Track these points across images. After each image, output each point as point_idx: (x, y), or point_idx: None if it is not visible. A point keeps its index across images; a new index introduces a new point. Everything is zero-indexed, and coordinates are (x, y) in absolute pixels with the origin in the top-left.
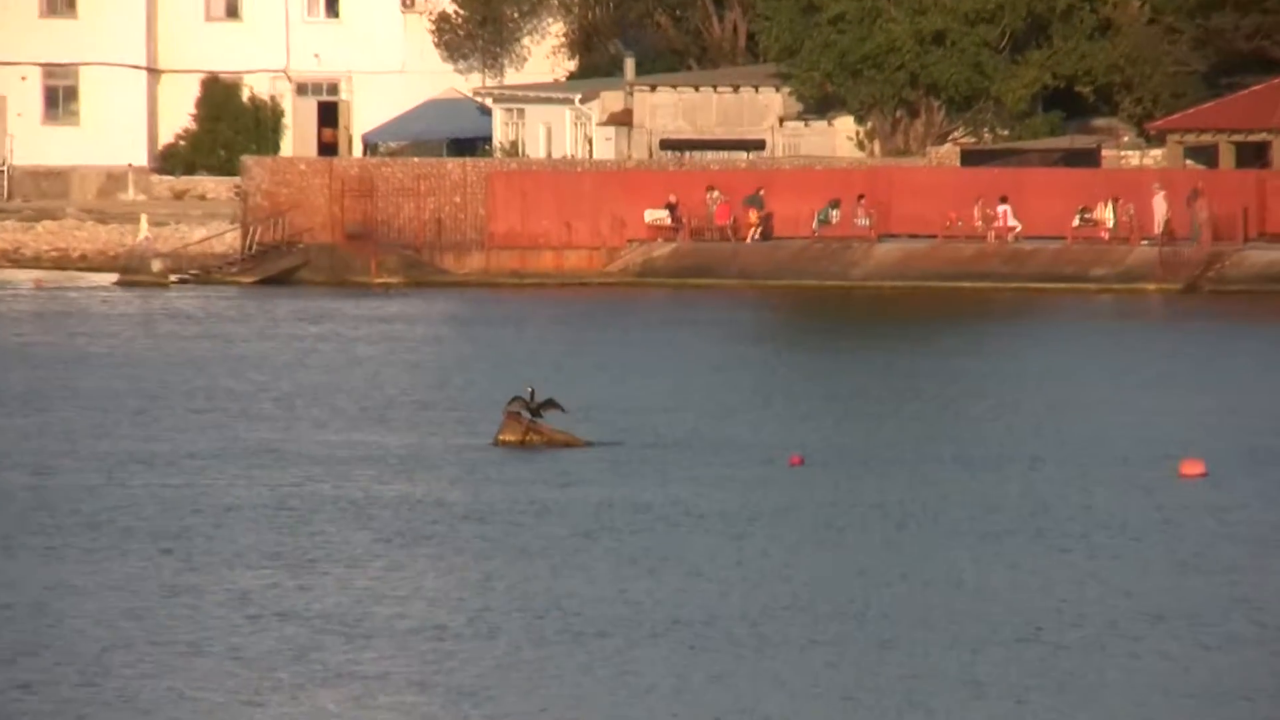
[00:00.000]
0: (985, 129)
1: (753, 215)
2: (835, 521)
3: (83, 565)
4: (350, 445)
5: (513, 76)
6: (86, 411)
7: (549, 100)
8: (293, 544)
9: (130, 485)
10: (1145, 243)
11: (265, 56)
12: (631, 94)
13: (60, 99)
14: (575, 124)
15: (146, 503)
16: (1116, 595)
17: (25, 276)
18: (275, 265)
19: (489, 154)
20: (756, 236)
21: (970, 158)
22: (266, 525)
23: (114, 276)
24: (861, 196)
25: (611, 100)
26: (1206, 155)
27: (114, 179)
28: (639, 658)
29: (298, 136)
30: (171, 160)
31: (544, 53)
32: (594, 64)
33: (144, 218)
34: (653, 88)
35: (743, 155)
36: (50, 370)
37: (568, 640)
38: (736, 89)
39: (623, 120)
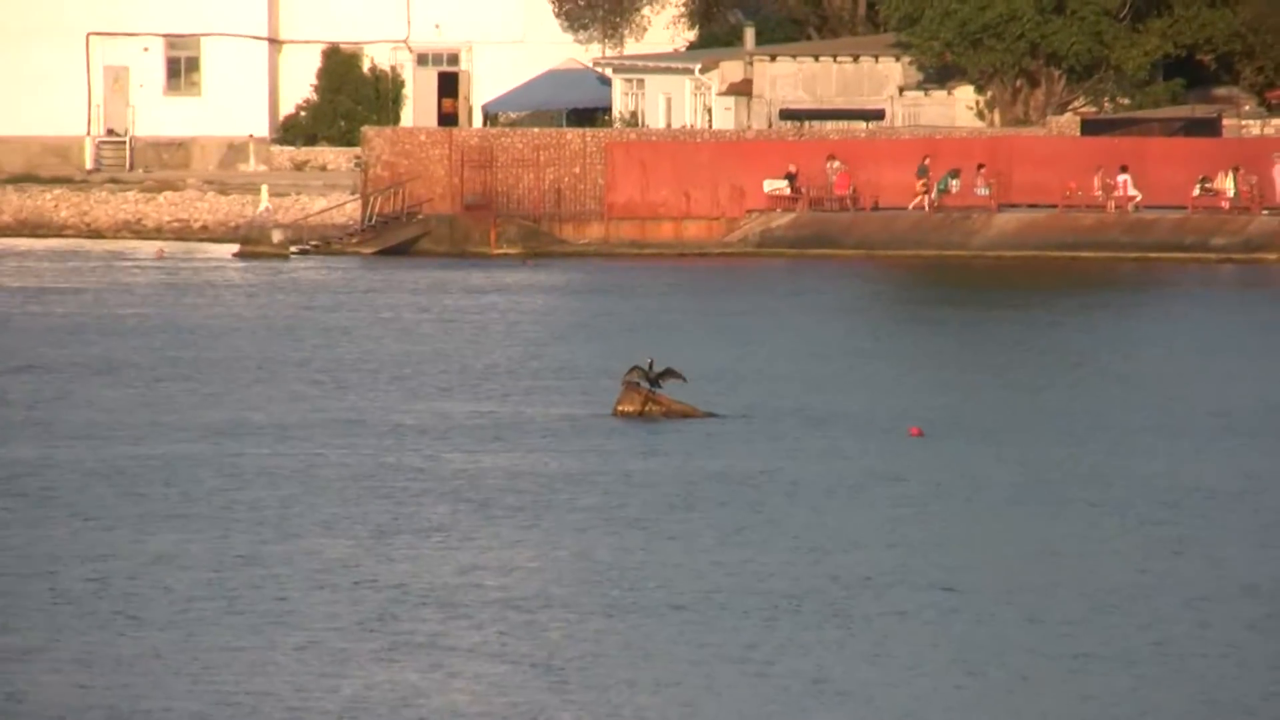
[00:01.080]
0: (1105, 98)
1: (919, 185)
2: (949, 492)
3: (180, 533)
4: (470, 415)
5: (632, 46)
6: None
7: (668, 70)
8: (407, 515)
9: (245, 454)
10: (1266, 212)
11: (385, 27)
12: (751, 64)
13: (182, 70)
14: (695, 94)
15: (256, 473)
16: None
17: (147, 247)
18: (395, 236)
19: (608, 124)
20: (925, 205)
21: (1090, 127)
22: (384, 497)
23: (234, 247)
24: (981, 166)
25: (731, 70)
26: None
27: (235, 150)
28: (745, 627)
29: (418, 107)
30: (292, 131)
31: (664, 22)
32: (714, 34)
33: (264, 188)
34: (772, 57)
35: (862, 125)
36: (176, 338)
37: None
38: (856, 58)
39: (742, 90)
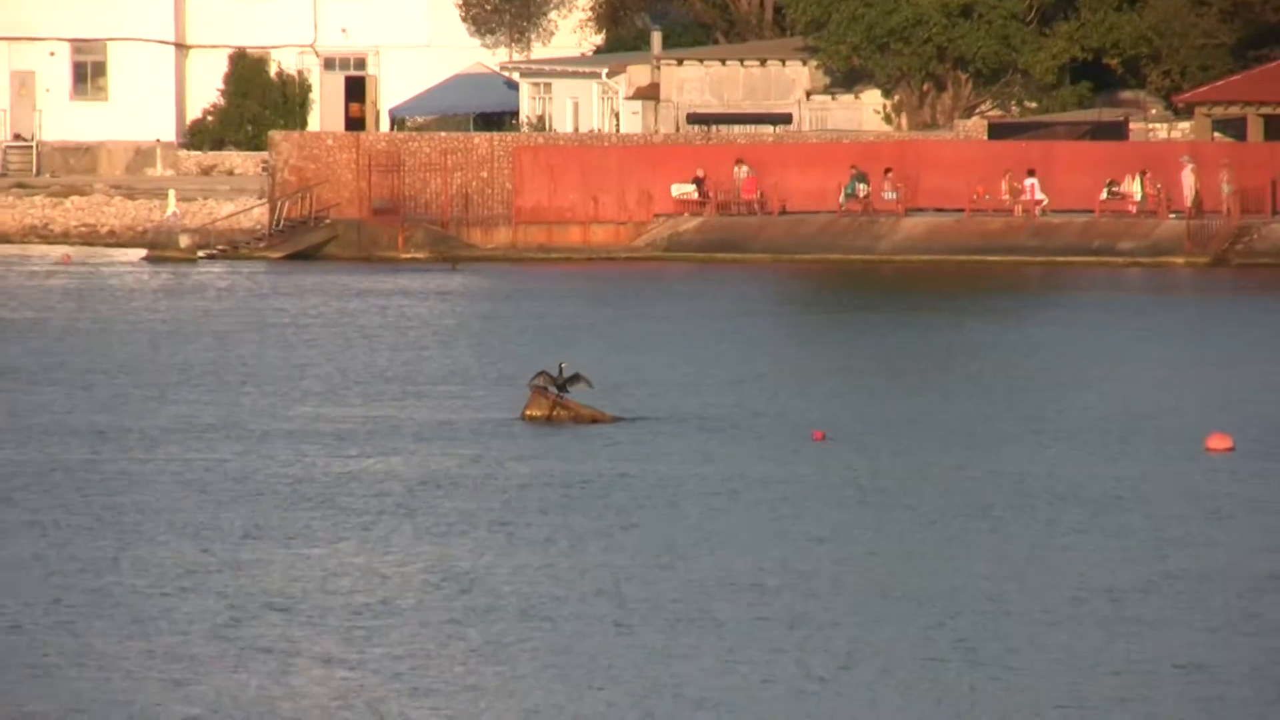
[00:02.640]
0: (1013, 102)
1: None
2: (853, 497)
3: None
4: (374, 420)
5: (540, 51)
6: (117, 385)
7: (576, 74)
8: (307, 521)
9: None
10: (1173, 216)
11: (293, 31)
12: (658, 68)
13: (89, 74)
14: (602, 98)
15: (155, 479)
16: (1129, 570)
17: (54, 252)
18: (303, 240)
19: (516, 128)
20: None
21: (997, 131)
22: (286, 501)
23: (142, 252)
24: (889, 170)
25: (638, 74)
26: (1235, 128)
27: (142, 154)
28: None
29: (325, 111)
30: (199, 135)
31: (571, 26)
32: (621, 38)
33: (172, 193)
34: (680, 61)
35: (770, 129)
36: (73, 342)
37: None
38: (763, 62)
39: (650, 94)
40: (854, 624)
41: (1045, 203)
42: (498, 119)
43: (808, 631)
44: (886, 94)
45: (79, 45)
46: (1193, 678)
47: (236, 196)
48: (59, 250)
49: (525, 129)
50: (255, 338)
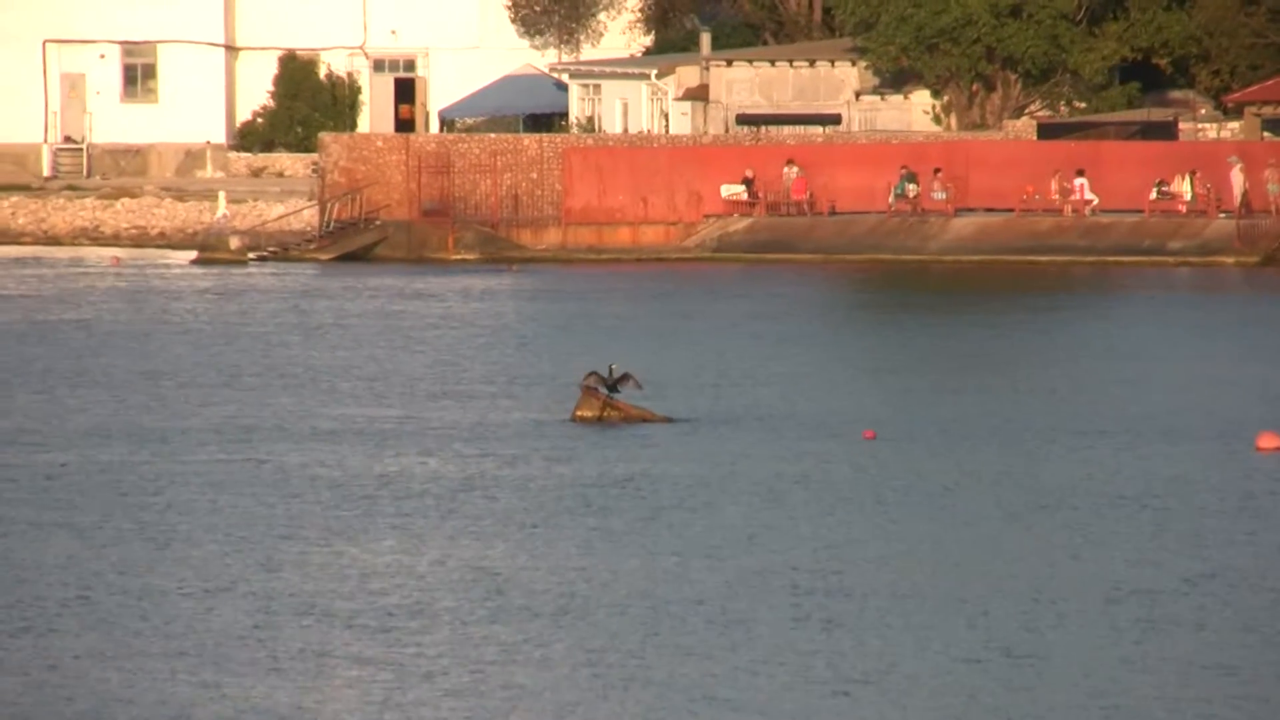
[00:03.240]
0: (1062, 102)
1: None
2: (902, 495)
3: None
4: (422, 420)
5: (589, 52)
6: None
7: (625, 75)
8: (358, 519)
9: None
10: (1223, 215)
11: (342, 33)
12: (708, 69)
13: (139, 77)
14: (652, 99)
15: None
16: (1181, 567)
17: (105, 254)
18: (352, 242)
19: (565, 130)
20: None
21: (1047, 131)
22: (342, 500)
23: (192, 254)
24: (938, 170)
25: (688, 75)
26: None
27: (192, 156)
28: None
29: (375, 113)
30: (249, 137)
31: (620, 28)
32: (670, 39)
33: (222, 195)
34: (729, 62)
35: (819, 130)
36: (119, 344)
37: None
38: (812, 63)
39: (699, 95)
40: (891, 624)
41: (1095, 202)
42: (547, 120)
43: (842, 633)
44: (935, 94)
45: (129, 48)
46: (1226, 679)
47: (286, 198)
48: (109, 252)
49: (574, 130)
50: (301, 339)
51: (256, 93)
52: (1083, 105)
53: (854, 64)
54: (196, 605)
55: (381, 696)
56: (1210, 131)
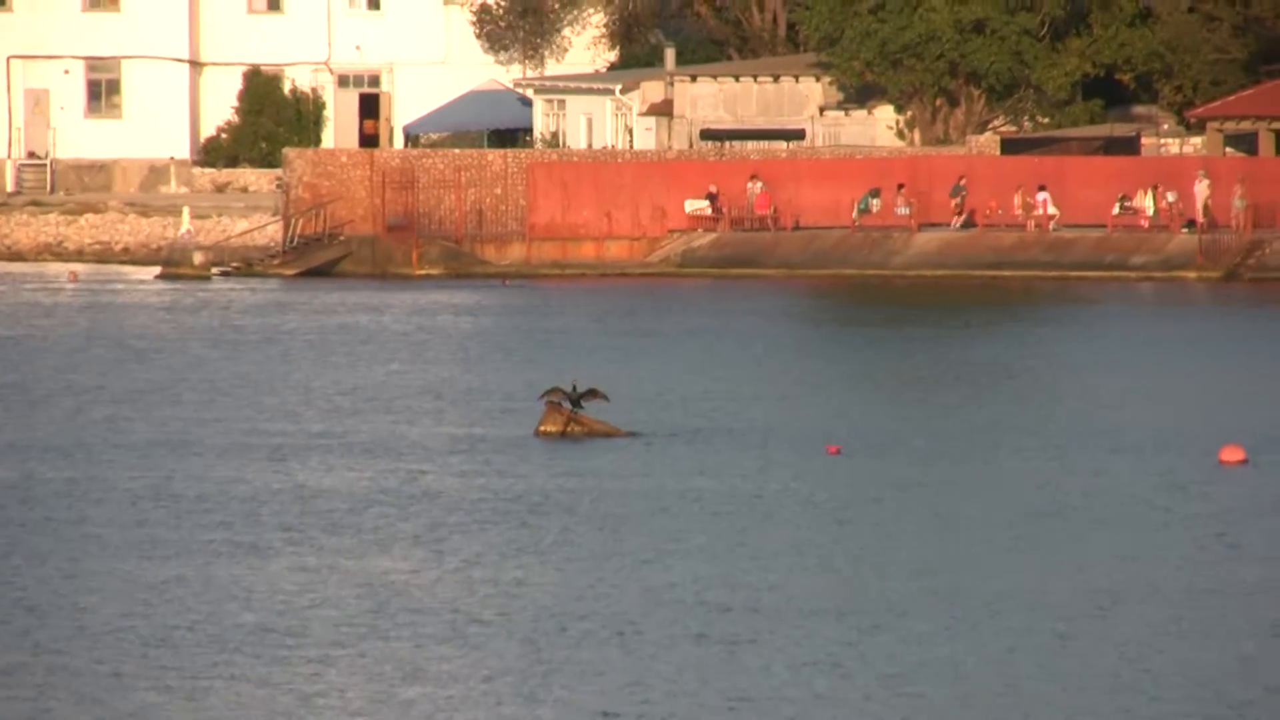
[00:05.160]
0: (1025, 117)
1: (954, 204)
2: (865, 511)
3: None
4: (386, 436)
5: (553, 67)
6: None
7: (589, 91)
8: (315, 537)
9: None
10: (1185, 230)
11: (307, 49)
12: (672, 84)
13: (103, 92)
14: (616, 114)
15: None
16: (1146, 580)
17: (62, 270)
18: (317, 257)
19: (530, 145)
20: (958, 225)
21: (1010, 146)
22: (308, 515)
23: (156, 269)
24: (902, 185)
25: (652, 90)
26: (1246, 142)
27: (156, 172)
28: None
29: (339, 128)
30: (213, 153)
31: (584, 43)
32: (634, 54)
33: (186, 210)
34: (693, 78)
35: (783, 145)
36: (69, 361)
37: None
38: (777, 78)
39: (663, 110)
40: (797, 642)
41: (1058, 217)
42: (511, 136)
43: (747, 650)
44: (899, 109)
45: (93, 63)
46: (1195, 689)
47: (250, 214)
48: (72, 268)
49: (539, 145)
50: (261, 354)
51: (221, 108)
52: (1046, 120)
53: (818, 79)
54: (89, 620)
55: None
56: (1173, 147)
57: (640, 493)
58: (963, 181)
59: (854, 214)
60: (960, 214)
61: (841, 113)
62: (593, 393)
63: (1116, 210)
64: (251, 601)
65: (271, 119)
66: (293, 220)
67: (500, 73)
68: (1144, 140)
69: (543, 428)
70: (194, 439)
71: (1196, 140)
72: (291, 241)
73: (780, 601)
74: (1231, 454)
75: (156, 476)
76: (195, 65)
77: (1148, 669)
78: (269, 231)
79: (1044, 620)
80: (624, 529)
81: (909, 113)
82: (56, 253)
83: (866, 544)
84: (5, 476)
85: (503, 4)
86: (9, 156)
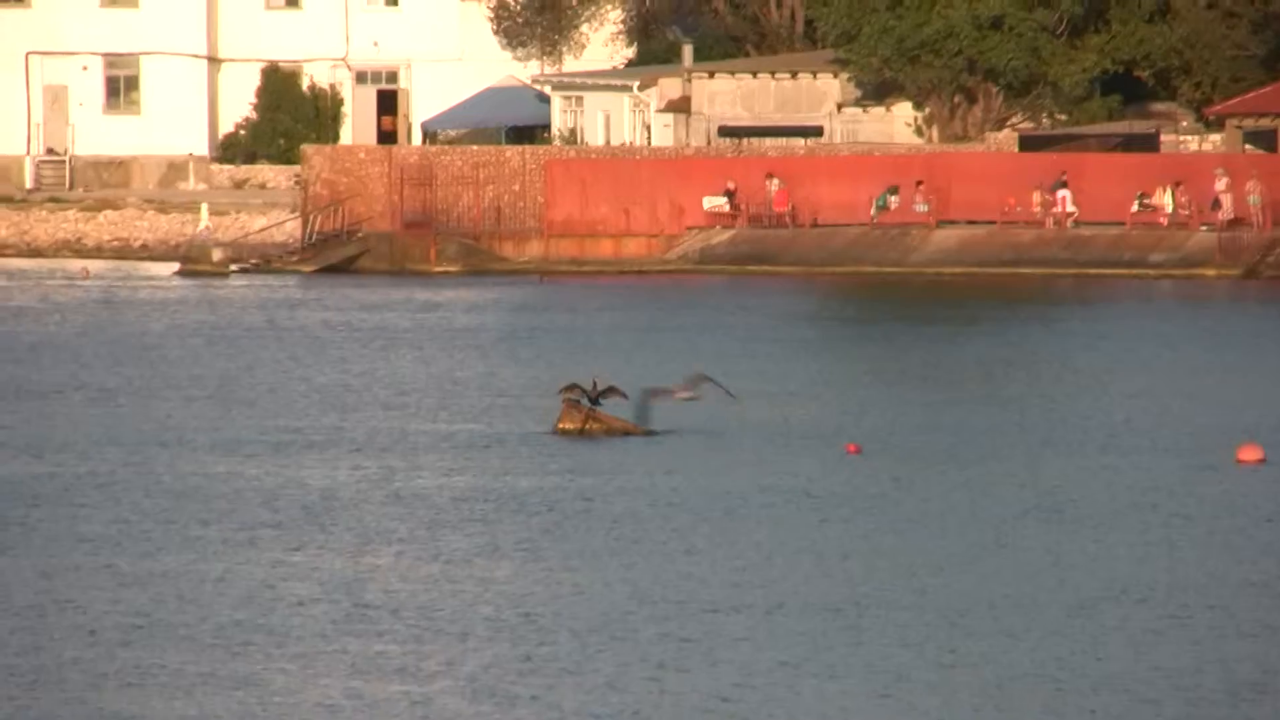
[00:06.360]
0: (1043, 114)
1: (1058, 199)
2: (889, 510)
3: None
4: (406, 432)
5: (571, 64)
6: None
7: (607, 87)
8: (347, 532)
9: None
10: (1204, 228)
11: (324, 45)
12: (690, 81)
13: (121, 88)
14: (634, 111)
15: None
16: (1163, 576)
17: (91, 266)
18: (335, 253)
19: (547, 141)
20: (1070, 222)
21: (1028, 143)
22: (323, 513)
23: (175, 266)
24: (920, 182)
25: (670, 87)
26: (1265, 139)
27: (175, 168)
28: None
29: (357, 125)
30: (232, 149)
31: (602, 40)
32: (652, 51)
33: (204, 207)
34: (711, 74)
35: (801, 141)
36: (82, 357)
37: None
38: (794, 75)
39: (681, 107)
40: (874, 638)
41: (1076, 214)
42: (529, 132)
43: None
44: (917, 106)
45: (111, 59)
46: (1179, 682)
47: (269, 210)
48: (80, 264)
49: (557, 142)
50: (283, 350)
51: (239, 104)
52: (1064, 117)
53: (836, 76)
54: (44, 620)
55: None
56: (1192, 144)
57: (647, 491)
58: (1064, 176)
59: (872, 211)
60: (1060, 207)
61: (859, 109)
62: (611, 390)
63: (1135, 208)
64: (234, 598)
65: (289, 115)
66: (311, 217)
67: (518, 69)
68: (1163, 137)
69: (561, 425)
70: (190, 436)
71: (1215, 137)
72: (310, 238)
73: (772, 599)
74: (1250, 453)
75: (156, 471)
76: (213, 61)
77: (1154, 666)
78: (287, 228)
79: (1038, 620)
80: (626, 527)
81: (927, 109)
82: (75, 249)
83: (877, 542)
84: None
85: (520, 0)
86: (28, 153)
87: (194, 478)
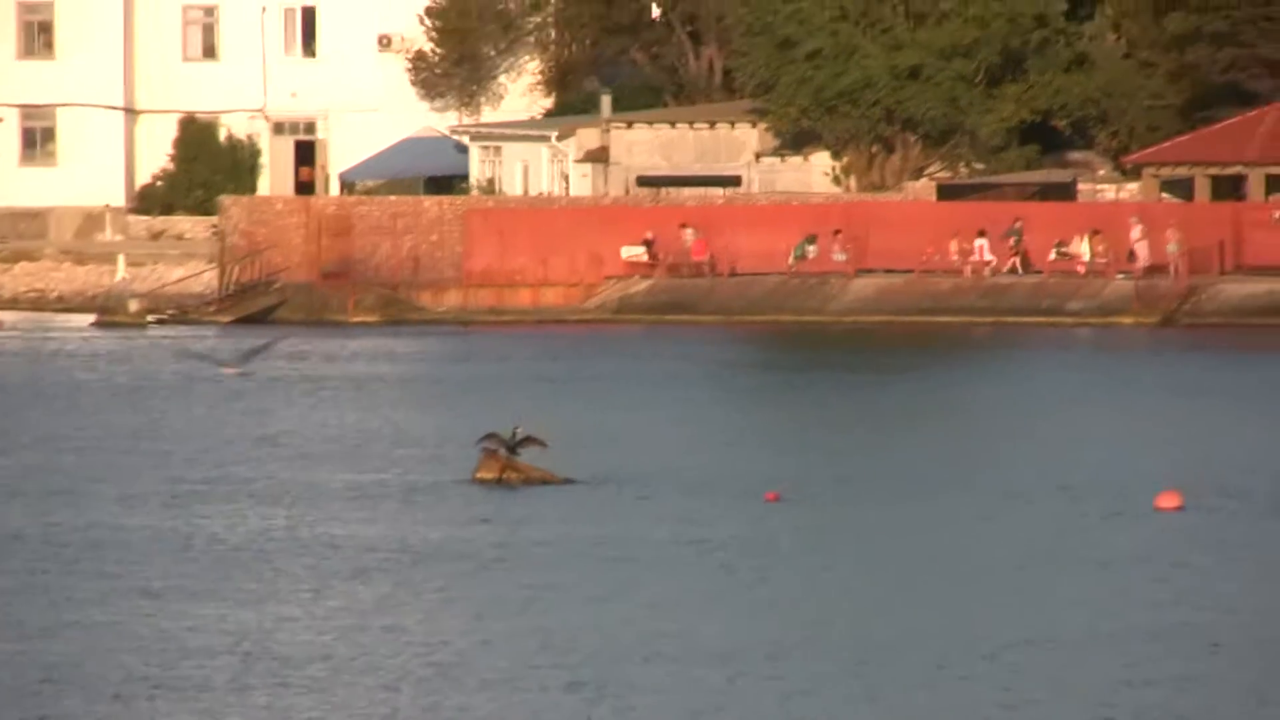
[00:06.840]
0: (961, 163)
1: (1009, 245)
2: (806, 557)
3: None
4: (326, 483)
5: (489, 114)
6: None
7: (526, 137)
8: (256, 582)
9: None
10: (1121, 276)
11: (242, 96)
12: (608, 130)
13: (38, 139)
14: (552, 161)
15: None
16: (1087, 621)
17: (7, 318)
18: (253, 304)
19: (466, 191)
20: (1017, 268)
21: (946, 192)
22: (233, 563)
23: (92, 317)
24: (838, 231)
25: (588, 137)
26: (1182, 188)
27: (92, 219)
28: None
29: (275, 175)
30: (149, 200)
31: (520, 90)
32: (570, 101)
33: (121, 258)
34: (629, 124)
35: (719, 191)
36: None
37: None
38: (713, 125)
39: (599, 157)
40: (798, 690)
41: (994, 263)
42: (448, 182)
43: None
44: (835, 156)
45: (28, 110)
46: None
47: (186, 261)
48: (8, 316)
49: (475, 192)
50: (197, 401)
51: (156, 155)
52: (982, 166)
53: (754, 125)
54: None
55: None
56: (1109, 193)
57: (562, 540)
58: (1018, 224)
59: (790, 260)
60: (1015, 254)
61: (778, 159)
62: (530, 439)
63: (1052, 256)
64: (147, 650)
65: (207, 166)
66: (228, 267)
67: (436, 119)
68: (1080, 186)
69: (479, 474)
70: (97, 488)
71: (1133, 186)
72: (227, 289)
73: (683, 648)
74: (1168, 500)
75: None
76: (130, 113)
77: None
78: (205, 279)
79: (941, 664)
80: (538, 576)
81: (845, 159)
82: None
83: (790, 590)
84: None
85: (439, 51)
86: None
87: (100, 529)
